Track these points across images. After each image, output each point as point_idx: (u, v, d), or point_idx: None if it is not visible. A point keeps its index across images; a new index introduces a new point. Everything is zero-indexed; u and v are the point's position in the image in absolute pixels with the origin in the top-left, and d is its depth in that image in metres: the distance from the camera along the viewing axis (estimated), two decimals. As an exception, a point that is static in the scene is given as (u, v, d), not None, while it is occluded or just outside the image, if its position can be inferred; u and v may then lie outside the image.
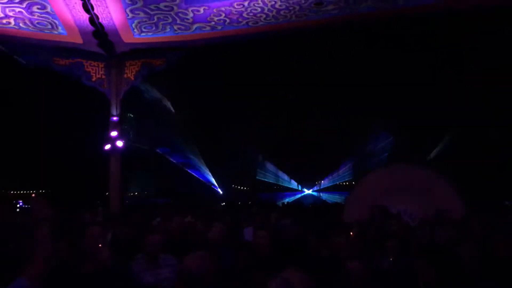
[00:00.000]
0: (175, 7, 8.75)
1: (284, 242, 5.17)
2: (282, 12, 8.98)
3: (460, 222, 6.69)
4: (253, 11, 8.90)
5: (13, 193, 27.41)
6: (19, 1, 8.37)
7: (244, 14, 9.05)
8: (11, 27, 9.40)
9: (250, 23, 9.47)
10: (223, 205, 22.89)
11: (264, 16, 9.12)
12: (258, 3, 8.61)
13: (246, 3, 8.61)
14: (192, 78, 17.13)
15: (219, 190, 30.01)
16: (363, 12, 9.12)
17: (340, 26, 10.08)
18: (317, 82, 18.14)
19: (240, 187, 31.63)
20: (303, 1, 8.55)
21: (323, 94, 18.85)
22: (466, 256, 4.24)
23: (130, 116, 12.06)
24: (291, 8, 8.81)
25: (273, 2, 8.59)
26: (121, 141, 11.00)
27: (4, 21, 9.13)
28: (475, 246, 4.67)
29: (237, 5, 8.68)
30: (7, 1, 8.34)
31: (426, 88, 16.79)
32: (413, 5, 8.86)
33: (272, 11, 8.94)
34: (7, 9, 8.67)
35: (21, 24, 9.31)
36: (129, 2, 8.52)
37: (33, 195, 25.99)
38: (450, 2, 8.94)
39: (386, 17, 9.56)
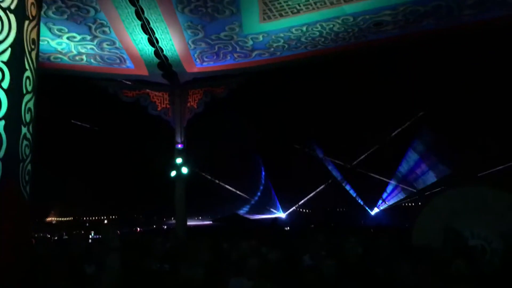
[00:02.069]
0: (235, 36, 8.97)
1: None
2: (340, 35, 8.93)
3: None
4: (311, 35, 8.92)
5: (86, 219, 28.71)
6: (91, 39, 8.91)
7: (303, 39, 9.10)
8: (83, 63, 10.02)
9: (308, 47, 9.50)
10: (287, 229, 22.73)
11: (323, 39, 9.12)
12: (316, 27, 8.62)
13: (304, 28, 8.65)
14: (254, 103, 17.37)
15: (281, 214, 29.88)
16: (424, 29, 8.90)
17: (401, 45, 9.89)
18: (379, 101, 17.80)
19: (304, 210, 31.28)
20: (361, 23, 8.46)
21: (385, 113, 18.46)
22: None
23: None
24: (350, 30, 8.74)
25: (331, 26, 8.57)
26: (186, 167, 11.32)
27: (77, 58, 9.76)
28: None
29: (295, 30, 8.74)
30: (80, 40, 8.91)
31: (494, 103, 16.02)
32: (478, 20, 8.53)
33: (330, 34, 8.91)
34: (79, 47, 9.26)
35: (92, 60, 9.90)
36: (191, 34, 8.83)
37: (105, 222, 27.15)
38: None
39: (449, 34, 9.27)
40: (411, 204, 26.88)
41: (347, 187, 28.12)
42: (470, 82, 15.49)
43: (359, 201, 28.76)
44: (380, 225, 23.73)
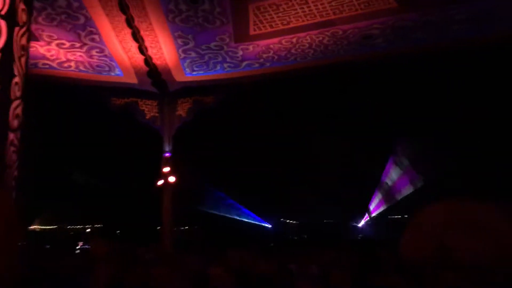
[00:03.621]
0: (225, 46, 9.00)
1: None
2: (330, 48, 9.03)
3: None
4: (301, 47, 9.00)
5: (72, 227, 28.32)
6: (80, 46, 8.87)
7: (293, 50, 9.17)
8: (72, 70, 9.96)
9: (298, 59, 9.57)
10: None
11: (312, 51, 9.20)
12: (306, 39, 8.71)
13: (294, 40, 8.73)
14: (241, 114, 17.37)
15: (268, 224, 29.79)
16: (413, 44, 9.03)
17: (390, 59, 10.00)
18: (368, 115, 17.91)
19: (290, 221, 31.21)
20: (351, 36, 8.57)
21: (375, 127, 18.57)
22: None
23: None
24: (339, 43, 8.84)
25: (321, 38, 8.65)
26: (173, 176, 11.26)
27: (65, 64, 9.71)
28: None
29: (285, 41, 8.81)
30: (69, 46, 8.88)
31: (484, 123, 16.19)
32: (467, 35, 8.68)
33: (320, 47, 9.00)
34: (68, 54, 9.23)
35: (81, 67, 9.85)
36: (181, 43, 8.85)
37: (89, 230, 26.83)
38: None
39: (437, 49, 9.41)
40: (399, 217, 27.01)
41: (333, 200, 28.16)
42: (458, 97, 15.67)
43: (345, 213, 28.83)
44: (368, 238, 23.80)
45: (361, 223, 29.63)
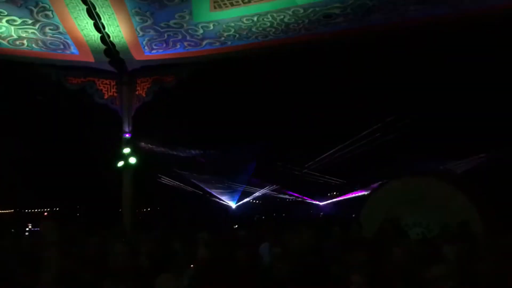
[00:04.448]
0: (185, 24, 8.83)
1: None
2: (291, 26, 9.00)
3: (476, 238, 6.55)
4: (262, 25, 8.93)
5: (26, 211, 27.59)
6: (32, 23, 8.50)
7: (254, 29, 9.08)
8: (24, 48, 9.55)
9: (259, 37, 9.50)
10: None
11: (274, 30, 9.14)
12: (267, 18, 8.64)
13: (255, 18, 8.64)
14: (200, 94, 17.19)
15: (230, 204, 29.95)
16: (372, 24, 9.11)
17: (351, 39, 10.09)
18: (327, 95, 18.08)
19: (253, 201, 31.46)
20: (312, 15, 8.56)
21: (334, 108, 18.78)
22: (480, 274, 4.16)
23: None
24: (300, 22, 8.82)
25: (281, 16, 8.61)
26: (134, 157, 11.07)
27: (17, 42, 9.29)
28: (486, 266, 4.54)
29: (246, 20, 8.71)
30: (20, 23, 8.48)
31: (440, 100, 16.63)
32: (424, 15, 8.83)
33: (281, 25, 8.95)
34: (20, 31, 8.82)
35: (34, 45, 9.45)
36: (140, 21, 8.61)
37: (45, 213, 26.19)
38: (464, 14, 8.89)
39: (396, 29, 9.54)
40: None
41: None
42: (417, 78, 16.01)
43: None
44: (329, 216, 24.29)
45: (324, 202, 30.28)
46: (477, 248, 5.57)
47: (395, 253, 5.00)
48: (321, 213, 28.08)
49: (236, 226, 18.10)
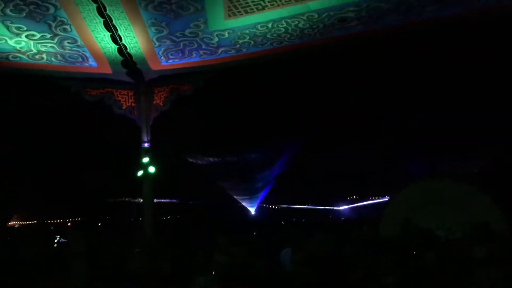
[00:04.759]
0: (200, 33, 8.90)
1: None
2: (306, 31, 9.01)
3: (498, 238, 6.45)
4: (277, 32, 8.96)
5: (50, 222, 27.98)
6: (51, 37, 8.66)
7: (268, 35, 9.12)
8: (43, 62, 9.73)
9: (274, 44, 9.54)
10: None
11: (288, 36, 9.17)
12: (281, 24, 8.67)
13: (269, 25, 8.68)
14: (217, 102, 17.26)
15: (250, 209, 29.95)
16: (387, 26, 9.08)
17: (365, 42, 10.05)
18: (343, 99, 17.97)
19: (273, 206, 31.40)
20: (326, 19, 8.56)
21: (350, 112, 18.66)
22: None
23: None
24: (315, 26, 8.83)
25: (296, 22, 8.63)
26: (153, 167, 11.18)
27: (37, 56, 9.47)
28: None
29: (260, 27, 8.75)
30: (40, 38, 8.66)
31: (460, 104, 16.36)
32: (440, 15, 8.75)
33: (296, 31, 8.98)
34: (39, 45, 9.00)
35: (53, 59, 9.63)
36: (155, 31, 8.71)
37: (69, 224, 26.54)
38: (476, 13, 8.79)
39: (412, 30, 9.48)
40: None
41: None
42: (433, 79, 15.82)
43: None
44: (349, 220, 24.10)
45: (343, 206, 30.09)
46: (505, 249, 5.49)
47: (428, 257, 4.92)
48: (342, 218, 27.88)
49: (256, 232, 18.07)
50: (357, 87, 17.07)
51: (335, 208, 29.99)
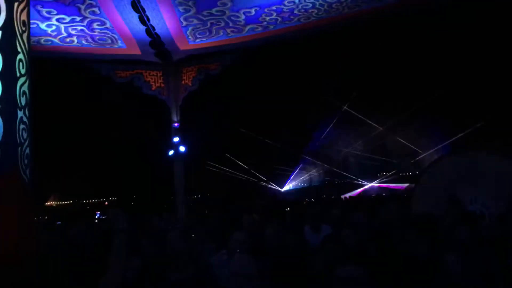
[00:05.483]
0: (227, 11, 8.86)
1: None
2: (334, 5, 8.85)
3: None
4: (304, 7, 8.83)
5: (88, 201, 28.82)
6: (81, 20, 8.77)
7: (296, 11, 9.00)
8: (74, 45, 9.89)
9: (302, 20, 9.41)
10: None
11: (316, 11, 9.03)
12: (309, -1, 8.54)
13: (297, 0, 8.56)
14: (245, 80, 17.24)
15: (278, 187, 30.10)
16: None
17: (396, 13, 9.79)
18: (376, 75, 17.68)
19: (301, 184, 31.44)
20: (355, -9, 8.39)
21: (381, 87, 18.37)
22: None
23: None
24: (342, 0, 8.66)
25: (324, -4, 8.48)
26: (183, 146, 11.32)
27: (67, 39, 9.63)
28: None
29: (287, 3, 8.64)
30: (70, 21, 8.78)
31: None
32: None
33: (323, 5, 8.82)
34: (69, 28, 9.14)
35: (83, 41, 9.78)
36: (183, 11, 8.71)
37: (106, 203, 27.28)
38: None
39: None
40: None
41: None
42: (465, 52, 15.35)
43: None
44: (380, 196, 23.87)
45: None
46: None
47: (462, 231, 4.77)
48: (373, 194, 27.68)
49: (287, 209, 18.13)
50: (388, 60, 16.73)
51: (366, 184, 29.78)
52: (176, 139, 11.35)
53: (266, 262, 4.20)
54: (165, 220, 8.75)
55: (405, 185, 24.62)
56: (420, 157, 23.97)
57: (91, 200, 28.88)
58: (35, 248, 3.53)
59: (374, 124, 23.30)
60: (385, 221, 6.01)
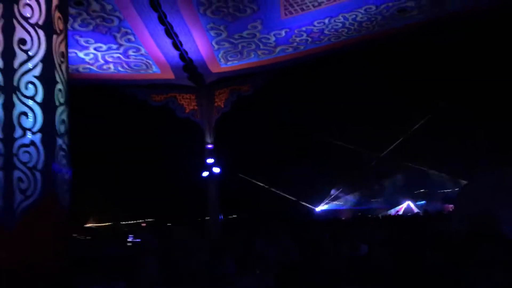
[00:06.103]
0: (257, 34, 8.99)
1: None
2: (364, 24, 8.84)
3: None
4: (334, 27, 8.87)
5: (123, 223, 29.23)
6: (117, 47, 9.10)
7: (326, 31, 9.05)
8: (111, 72, 10.24)
9: (332, 39, 9.45)
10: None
11: (346, 30, 9.04)
12: (339, 19, 8.56)
13: (326, 20, 8.60)
14: (277, 100, 17.28)
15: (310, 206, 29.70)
16: (450, 12, 8.71)
17: (426, 30, 9.70)
18: (408, 90, 17.44)
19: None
20: (385, 11, 8.35)
21: (413, 102, 18.10)
22: None
23: None
24: (373, 19, 8.64)
25: (354, 16, 8.48)
26: (217, 167, 11.44)
27: (105, 67, 9.99)
28: None
29: (317, 23, 8.70)
30: (107, 49, 9.12)
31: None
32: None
33: (353, 25, 8.83)
34: (106, 56, 9.48)
35: (119, 68, 10.12)
36: (214, 35, 8.90)
37: (143, 224, 27.63)
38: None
39: (477, 14, 9.04)
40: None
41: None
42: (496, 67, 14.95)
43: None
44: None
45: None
46: None
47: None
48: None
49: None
50: (420, 76, 16.49)
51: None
52: (210, 160, 11.48)
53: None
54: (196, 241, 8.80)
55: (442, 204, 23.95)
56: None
57: (128, 222, 29.30)
58: (68, 267, 3.65)
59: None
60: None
